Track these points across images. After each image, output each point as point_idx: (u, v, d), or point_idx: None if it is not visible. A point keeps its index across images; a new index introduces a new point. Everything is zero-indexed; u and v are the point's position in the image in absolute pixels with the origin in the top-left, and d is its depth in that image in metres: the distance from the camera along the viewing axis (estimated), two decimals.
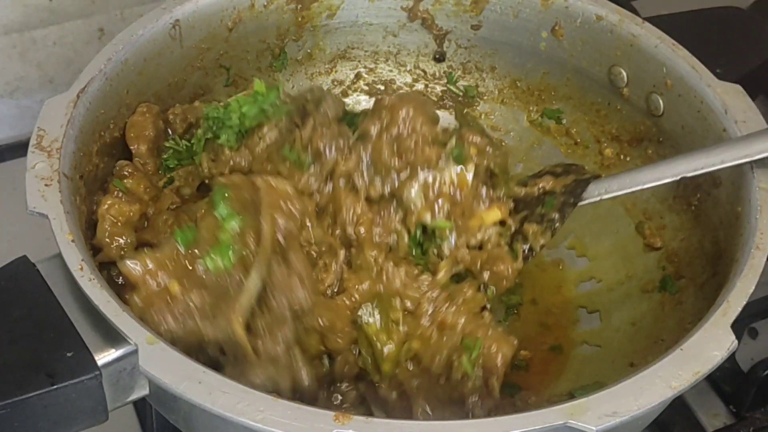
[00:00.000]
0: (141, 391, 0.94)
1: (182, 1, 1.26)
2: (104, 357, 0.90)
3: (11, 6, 1.53)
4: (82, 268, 0.93)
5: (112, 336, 0.90)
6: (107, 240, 1.09)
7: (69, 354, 0.90)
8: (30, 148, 1.04)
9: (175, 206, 1.18)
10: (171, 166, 1.22)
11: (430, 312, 1.10)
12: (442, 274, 1.14)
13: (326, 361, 1.09)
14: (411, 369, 1.08)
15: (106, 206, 1.10)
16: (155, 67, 1.24)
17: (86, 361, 0.90)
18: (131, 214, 1.12)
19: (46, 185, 1.00)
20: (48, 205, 0.98)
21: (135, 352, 0.88)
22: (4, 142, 1.61)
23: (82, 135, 1.09)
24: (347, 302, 1.09)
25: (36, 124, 1.06)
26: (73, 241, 0.96)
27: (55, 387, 0.88)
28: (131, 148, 1.19)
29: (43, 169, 1.02)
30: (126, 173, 1.17)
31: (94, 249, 1.08)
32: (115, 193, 1.13)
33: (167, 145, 1.23)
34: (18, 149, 1.57)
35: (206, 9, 1.28)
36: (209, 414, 0.84)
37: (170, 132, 1.24)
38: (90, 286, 0.92)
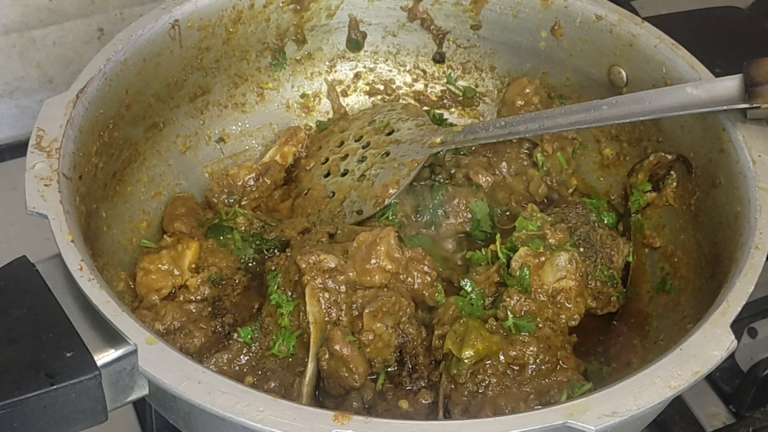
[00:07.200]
0: (140, 391, 0.94)
1: (182, 1, 1.26)
2: (104, 357, 0.90)
3: (11, 6, 1.53)
4: (81, 269, 0.93)
5: (112, 336, 0.90)
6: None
7: (68, 354, 0.90)
8: (29, 148, 1.04)
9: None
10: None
11: None
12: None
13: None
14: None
15: None
16: (154, 67, 1.24)
17: (86, 361, 0.90)
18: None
19: (45, 185, 1.00)
20: (47, 206, 0.98)
21: (134, 352, 0.88)
22: (3, 142, 1.62)
23: (82, 135, 1.09)
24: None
25: (35, 124, 1.06)
26: (72, 241, 0.96)
27: (54, 387, 0.88)
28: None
29: (43, 170, 1.02)
30: None
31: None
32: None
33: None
34: (18, 149, 1.57)
35: (206, 9, 1.28)
36: (209, 414, 0.84)
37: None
38: (89, 287, 0.92)
